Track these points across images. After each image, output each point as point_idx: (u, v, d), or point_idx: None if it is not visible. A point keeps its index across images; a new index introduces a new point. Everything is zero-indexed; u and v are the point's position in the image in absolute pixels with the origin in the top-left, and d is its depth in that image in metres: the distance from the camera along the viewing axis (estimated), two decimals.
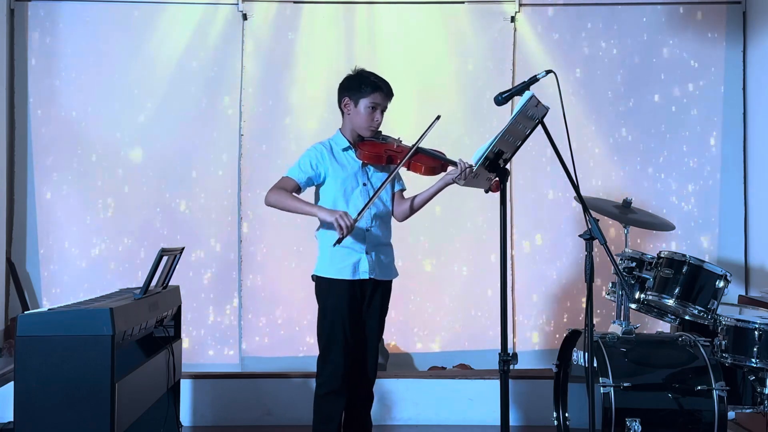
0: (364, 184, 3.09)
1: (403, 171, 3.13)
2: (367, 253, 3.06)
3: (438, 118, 3.02)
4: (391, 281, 3.21)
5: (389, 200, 3.18)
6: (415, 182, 3.30)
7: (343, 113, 3.16)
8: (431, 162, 3.05)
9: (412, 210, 3.21)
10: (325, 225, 3.06)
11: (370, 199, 2.98)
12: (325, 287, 3.09)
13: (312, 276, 3.15)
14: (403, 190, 3.25)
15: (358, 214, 2.92)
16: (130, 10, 4.69)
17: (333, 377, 3.05)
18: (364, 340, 3.14)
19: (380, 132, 3.14)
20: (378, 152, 3.06)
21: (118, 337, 2.48)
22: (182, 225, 4.69)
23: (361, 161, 3.10)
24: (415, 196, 3.20)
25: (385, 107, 3.11)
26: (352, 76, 3.13)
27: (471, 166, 2.96)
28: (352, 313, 3.07)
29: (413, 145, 3.02)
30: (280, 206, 3.04)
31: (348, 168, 3.10)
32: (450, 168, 3.04)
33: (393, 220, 3.23)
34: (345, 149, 3.12)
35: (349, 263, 3.04)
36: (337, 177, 3.07)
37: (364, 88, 3.06)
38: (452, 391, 4.14)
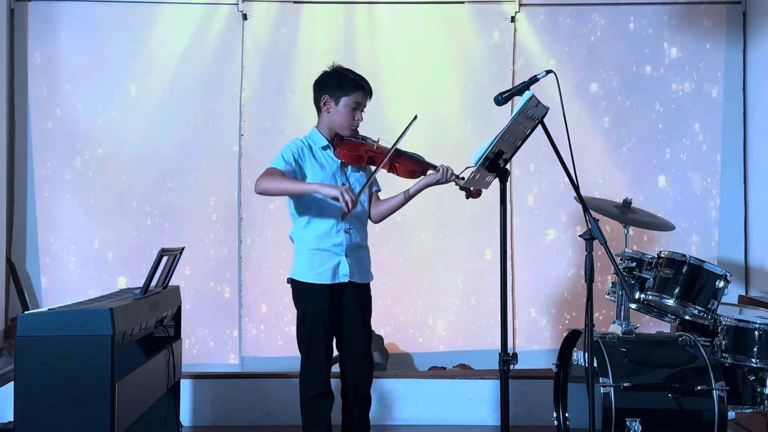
0: (343, 184, 3.01)
1: (381, 173, 3.05)
2: (346, 255, 3.00)
3: (415, 118, 2.93)
4: (369, 284, 3.14)
5: (367, 202, 3.12)
6: (390, 184, 3.26)
7: (320, 111, 3.08)
8: (412, 165, 3.02)
9: (390, 212, 3.13)
10: (302, 227, 3.02)
11: (371, 177, 2.95)
12: (304, 291, 3.02)
13: (288, 279, 3.08)
14: (378, 191, 3.19)
15: (360, 190, 2.88)
16: (130, 10, 4.69)
17: (316, 380, 3.00)
18: (349, 345, 3.07)
19: (357, 131, 3.08)
20: (358, 152, 3.01)
21: (118, 337, 2.48)
22: (182, 225, 4.69)
23: (340, 161, 3.04)
24: (392, 198, 3.11)
25: (365, 106, 3.06)
26: (330, 74, 3.06)
27: (452, 171, 2.96)
28: (333, 316, 3.01)
29: (392, 146, 2.96)
30: (274, 189, 2.88)
31: (327, 168, 3.03)
32: (430, 171, 3.01)
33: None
34: (324, 148, 3.05)
35: (328, 267, 2.99)
36: (317, 176, 3.00)
37: (345, 86, 3.00)
38: (452, 391, 4.14)
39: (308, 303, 3.01)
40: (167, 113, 4.70)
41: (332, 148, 3.05)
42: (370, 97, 3.07)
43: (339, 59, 4.63)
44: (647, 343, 3.27)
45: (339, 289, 3.02)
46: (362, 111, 3.05)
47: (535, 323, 4.74)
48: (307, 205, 3.02)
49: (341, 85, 3.01)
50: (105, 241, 4.66)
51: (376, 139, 3.08)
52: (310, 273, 3.00)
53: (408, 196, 3.07)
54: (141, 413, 2.82)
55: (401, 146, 2.99)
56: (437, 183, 2.98)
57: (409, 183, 3.06)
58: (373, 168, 3.04)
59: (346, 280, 3.00)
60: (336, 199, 2.76)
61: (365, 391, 3.14)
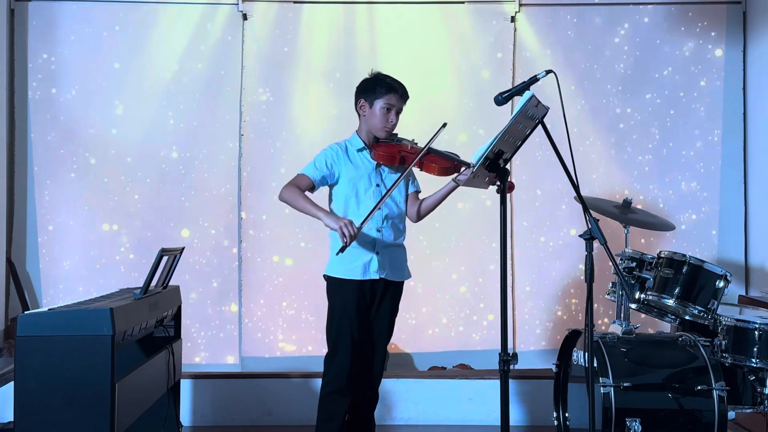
0: (378, 185, 3.11)
1: (417, 172, 3.15)
2: (377, 253, 3.07)
3: (444, 125, 3.03)
4: (402, 283, 3.21)
5: (402, 201, 3.18)
6: (428, 183, 3.29)
7: (359, 115, 3.18)
8: (444, 162, 3.06)
9: (425, 212, 3.21)
10: None
11: (376, 205, 2.98)
12: (334, 287, 3.10)
13: (323, 275, 3.16)
14: (417, 191, 3.25)
15: (363, 222, 2.92)
16: (130, 10, 4.69)
17: (338, 377, 3.06)
18: (372, 341, 3.14)
19: (396, 134, 3.16)
20: (392, 153, 3.08)
21: (118, 337, 2.48)
22: (182, 225, 4.69)
23: (376, 162, 3.12)
24: (425, 199, 3.20)
25: (401, 109, 3.13)
26: (369, 79, 3.15)
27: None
28: (360, 313, 3.07)
29: (425, 146, 3.03)
30: (292, 204, 3.04)
31: (362, 168, 3.12)
32: (463, 168, 3.04)
33: (408, 222, 3.22)
34: (360, 150, 3.14)
35: (359, 263, 3.05)
36: (351, 177, 3.09)
37: (378, 89, 3.09)
38: (452, 391, 4.14)
39: (336, 299, 3.09)
40: (167, 113, 4.70)
41: (369, 150, 3.13)
42: (406, 99, 3.14)
43: (339, 59, 4.71)
44: (647, 343, 3.27)
45: (370, 286, 3.08)
46: (398, 113, 3.12)
47: (536, 323, 4.74)
48: (340, 203, 3.10)
49: (375, 88, 3.10)
50: (105, 241, 4.65)
51: (411, 139, 3.15)
52: (341, 269, 3.08)
53: (441, 196, 3.14)
54: (141, 413, 2.83)
55: (435, 146, 3.05)
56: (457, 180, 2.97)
57: (445, 180, 3.11)
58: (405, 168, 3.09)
59: (377, 276, 3.07)
60: (336, 231, 2.87)
61: (375, 389, 3.20)
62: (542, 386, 3.94)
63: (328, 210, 3.12)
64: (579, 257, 4.65)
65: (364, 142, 3.15)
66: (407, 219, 3.23)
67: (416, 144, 3.15)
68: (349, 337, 3.05)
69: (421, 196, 3.25)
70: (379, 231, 3.08)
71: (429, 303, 4.73)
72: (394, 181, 3.07)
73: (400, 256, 3.18)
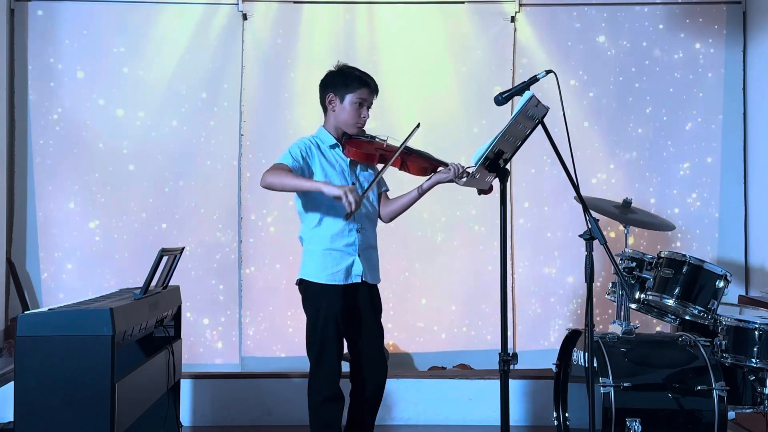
0: (354, 183, 2.99)
1: (392, 171, 3.02)
2: (359, 255, 2.96)
3: (418, 126, 2.92)
4: (377, 285, 3.09)
5: (376, 201, 3.09)
6: (400, 182, 3.26)
7: (326, 110, 3.05)
8: (423, 162, 3.01)
9: (397, 213, 3.10)
10: (313, 227, 2.97)
11: (375, 177, 2.91)
12: (316, 293, 2.94)
13: (298, 281, 3.01)
14: (387, 191, 3.16)
15: (366, 189, 2.85)
16: (130, 10, 4.69)
17: (330, 382, 2.94)
18: (366, 346, 3.03)
19: (364, 130, 3.05)
20: (369, 151, 2.98)
21: (118, 337, 2.48)
22: (182, 225, 4.69)
23: (349, 159, 3.01)
24: (403, 196, 3.08)
25: (371, 103, 3.02)
26: (336, 72, 3.03)
27: (464, 167, 2.92)
28: (347, 318, 2.96)
29: (402, 144, 2.93)
30: (280, 185, 2.80)
31: (337, 166, 3.00)
32: (440, 168, 2.99)
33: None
34: (332, 146, 3.02)
35: (342, 267, 2.94)
36: (327, 175, 2.96)
37: (350, 83, 2.97)
38: (452, 391, 4.14)
39: (320, 305, 2.94)
40: (167, 113, 4.70)
41: (341, 147, 3.02)
42: (376, 94, 3.03)
43: (339, 59, 4.68)
44: (647, 343, 3.27)
45: (351, 290, 2.97)
46: (368, 108, 3.02)
47: (536, 323, 4.74)
48: (317, 204, 2.95)
49: (345, 82, 2.98)
50: (105, 241, 4.65)
51: (385, 138, 3.05)
52: (323, 274, 2.94)
53: (421, 192, 3.03)
54: (141, 413, 2.83)
55: (409, 144, 2.97)
56: (449, 180, 2.94)
57: (419, 180, 3.03)
58: (381, 166, 2.99)
59: (359, 280, 2.96)
60: (339, 198, 2.70)
61: (381, 392, 3.09)
62: (542, 386, 3.94)
63: (301, 210, 3.00)
64: (579, 257, 4.65)
65: (334, 137, 3.02)
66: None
67: (389, 141, 3.03)
68: (336, 343, 2.93)
69: (390, 195, 3.15)
70: (359, 231, 2.97)
71: (429, 303, 4.73)
72: (366, 178, 3.01)
73: (376, 258, 3.08)
